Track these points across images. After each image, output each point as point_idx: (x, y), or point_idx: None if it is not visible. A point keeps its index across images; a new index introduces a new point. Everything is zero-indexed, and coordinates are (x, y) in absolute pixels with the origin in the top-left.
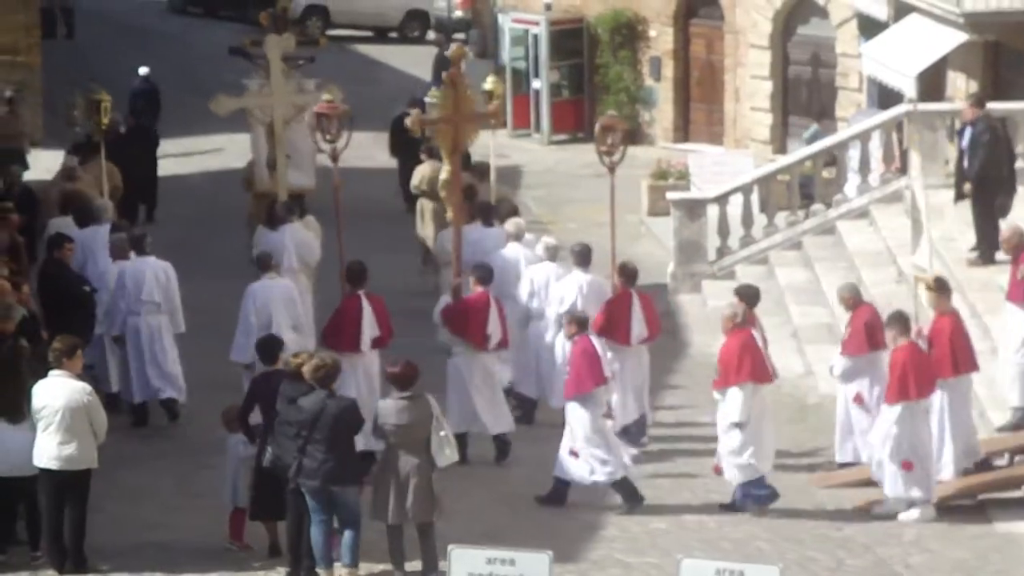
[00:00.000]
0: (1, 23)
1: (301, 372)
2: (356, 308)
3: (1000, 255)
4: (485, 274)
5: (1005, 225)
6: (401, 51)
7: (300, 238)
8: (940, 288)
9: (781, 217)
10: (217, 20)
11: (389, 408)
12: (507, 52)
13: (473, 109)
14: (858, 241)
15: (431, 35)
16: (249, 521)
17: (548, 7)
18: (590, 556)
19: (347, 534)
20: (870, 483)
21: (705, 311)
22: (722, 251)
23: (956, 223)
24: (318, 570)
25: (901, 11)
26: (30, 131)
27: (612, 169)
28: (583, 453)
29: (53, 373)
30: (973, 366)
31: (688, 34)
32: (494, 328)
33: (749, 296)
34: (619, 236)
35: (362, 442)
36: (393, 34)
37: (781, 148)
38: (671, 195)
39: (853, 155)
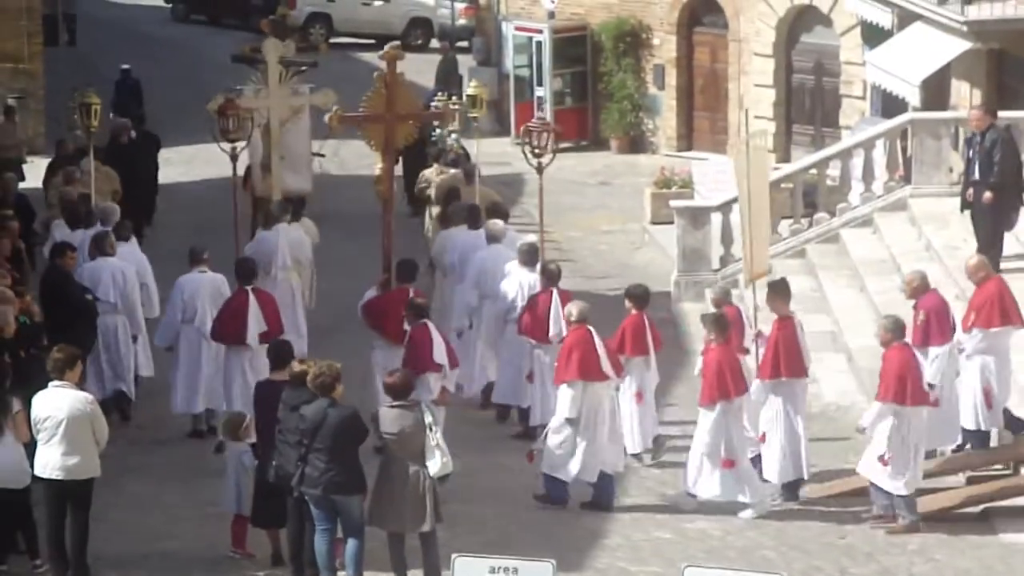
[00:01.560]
0: (3, 30)
1: (303, 380)
2: (243, 302)
3: (1005, 263)
4: (406, 271)
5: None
6: (404, 59)
7: (293, 237)
8: (777, 291)
9: (785, 225)
10: (220, 28)
11: (384, 416)
12: (511, 60)
13: (410, 109)
14: (862, 249)
15: (434, 43)
16: (252, 529)
17: (552, 15)
18: (594, 565)
19: (350, 543)
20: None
21: None
22: (725, 259)
23: (960, 232)
24: None
25: (905, 19)
26: (31, 138)
27: (540, 170)
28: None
29: (53, 384)
30: (799, 372)
31: (692, 42)
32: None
33: (637, 296)
34: (622, 244)
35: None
36: (396, 42)
37: (785, 156)
38: (674, 203)
39: (857, 163)
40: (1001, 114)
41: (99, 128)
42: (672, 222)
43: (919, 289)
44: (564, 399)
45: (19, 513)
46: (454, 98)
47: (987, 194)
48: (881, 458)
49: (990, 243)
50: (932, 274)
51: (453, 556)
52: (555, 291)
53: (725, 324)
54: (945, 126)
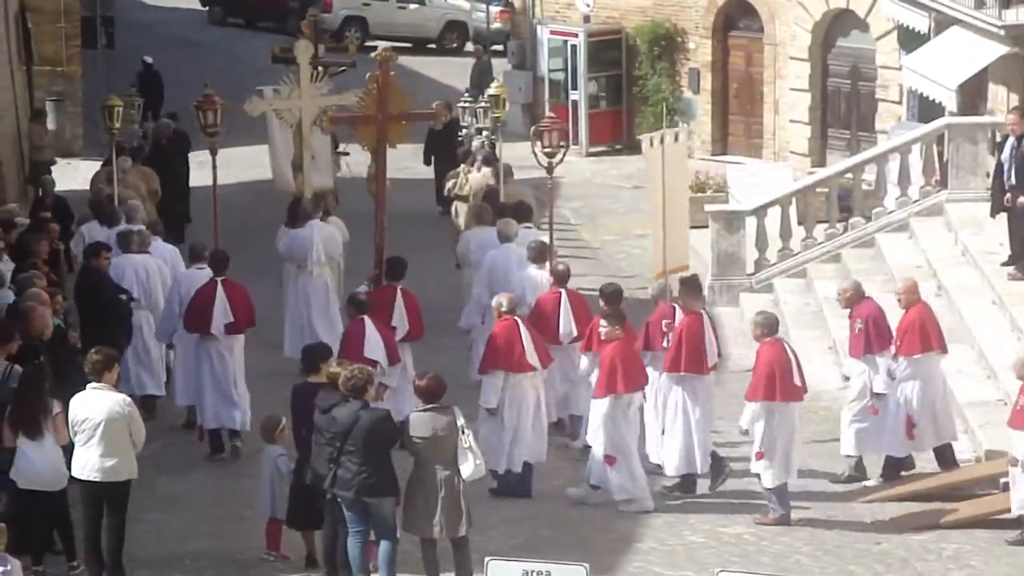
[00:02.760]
0: (42, 33)
1: (336, 382)
2: (210, 293)
3: None
4: (393, 269)
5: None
6: (440, 62)
7: (326, 233)
8: (688, 287)
9: (820, 230)
10: (256, 31)
11: (416, 420)
12: (545, 63)
13: (404, 109)
14: (897, 254)
15: (469, 46)
16: (287, 530)
17: (587, 19)
18: (627, 569)
19: (383, 545)
20: (910, 497)
21: (743, 324)
22: (760, 264)
23: (995, 236)
24: None
25: (942, 24)
26: (69, 140)
27: (550, 170)
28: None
29: (92, 386)
30: (699, 368)
31: (727, 46)
32: (399, 320)
33: (608, 294)
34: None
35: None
36: (432, 45)
37: (820, 160)
38: (709, 207)
39: (893, 168)
40: None
41: (121, 129)
42: (706, 226)
43: (853, 299)
44: (485, 389)
45: (56, 514)
46: (480, 99)
47: (1021, 199)
48: (758, 453)
49: (1022, 247)
50: (968, 279)
51: (487, 559)
52: (564, 292)
53: (622, 317)
54: (982, 130)
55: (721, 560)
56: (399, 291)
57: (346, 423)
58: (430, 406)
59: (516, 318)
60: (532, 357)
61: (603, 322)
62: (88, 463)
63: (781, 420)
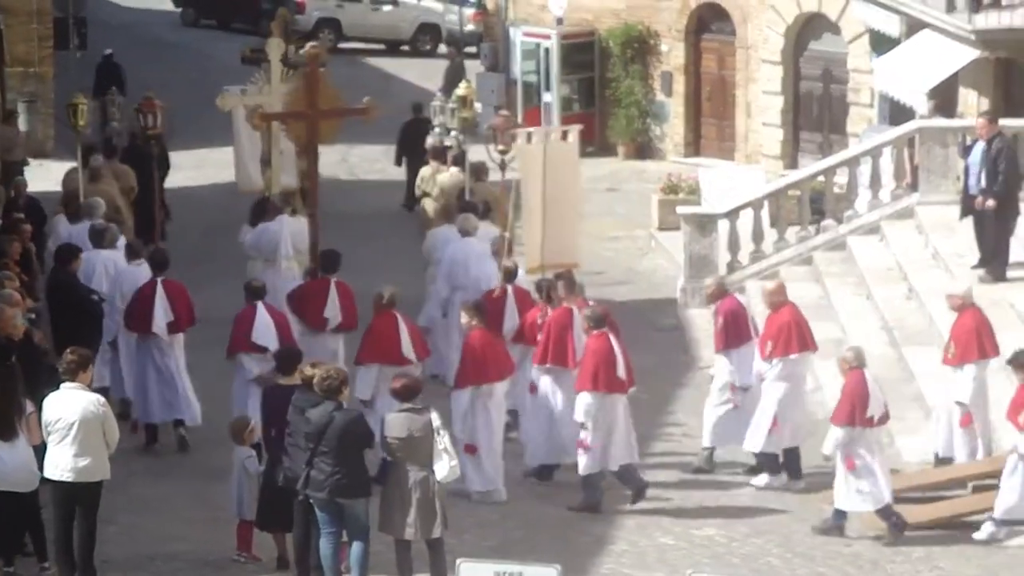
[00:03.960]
0: (15, 34)
1: (310, 383)
2: (150, 292)
3: (1010, 273)
4: (327, 262)
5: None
6: (413, 64)
7: (295, 228)
8: (564, 282)
9: (792, 232)
10: (229, 32)
11: (391, 421)
12: (518, 66)
13: (335, 106)
14: (869, 257)
15: (443, 48)
16: (258, 532)
17: (560, 21)
18: (599, 570)
19: (356, 546)
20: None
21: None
22: (732, 266)
23: (966, 240)
24: None
25: (913, 27)
26: (41, 141)
27: (504, 167)
28: None
29: (66, 386)
30: (564, 361)
31: (699, 49)
32: (332, 312)
33: (567, 280)
34: (629, 250)
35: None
36: (405, 47)
37: (792, 163)
38: (681, 210)
39: (864, 171)
40: (1009, 123)
41: (86, 127)
42: (679, 228)
43: (716, 294)
44: (360, 382)
45: (28, 515)
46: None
47: (989, 201)
48: (579, 441)
49: (995, 251)
50: (939, 282)
51: (458, 561)
52: (510, 288)
53: (484, 310)
54: (952, 134)
55: (692, 562)
56: (333, 283)
57: (320, 424)
58: (406, 407)
59: (395, 312)
60: (408, 350)
61: (463, 314)
62: (61, 463)
63: (602, 411)
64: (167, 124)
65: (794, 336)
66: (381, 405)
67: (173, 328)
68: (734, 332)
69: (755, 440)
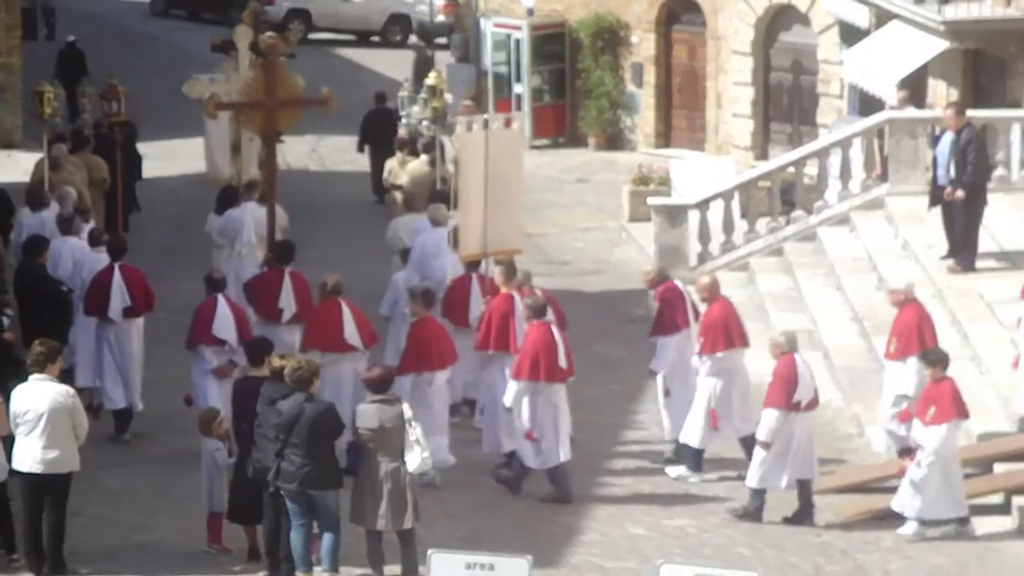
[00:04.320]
0: None
1: (282, 375)
2: (107, 277)
3: (979, 263)
4: (282, 253)
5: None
6: (383, 55)
7: (259, 215)
8: (502, 269)
9: (762, 223)
10: (199, 23)
11: (363, 412)
12: (489, 57)
13: (293, 95)
14: (839, 248)
15: (413, 39)
16: (229, 524)
17: (530, 12)
18: (569, 561)
19: (326, 538)
20: (854, 488)
21: None
22: (703, 257)
23: (935, 230)
24: (298, 573)
25: (882, 19)
26: (9, 131)
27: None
28: None
29: (35, 377)
30: (505, 346)
31: (670, 40)
32: (287, 303)
33: (506, 267)
34: (600, 241)
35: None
36: (375, 38)
37: (762, 154)
38: (652, 201)
39: (834, 162)
40: (977, 113)
41: (53, 115)
42: (650, 220)
43: (654, 281)
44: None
45: None
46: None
47: (958, 192)
48: (527, 432)
49: (964, 242)
50: (909, 272)
51: (429, 552)
52: (474, 276)
53: (431, 298)
54: (922, 125)
55: (663, 552)
56: (287, 274)
57: (290, 415)
58: (378, 398)
59: (339, 299)
60: (353, 337)
61: (409, 301)
62: (30, 455)
63: (546, 401)
64: (134, 111)
65: (721, 334)
66: (326, 389)
67: (129, 313)
68: (668, 319)
69: (691, 433)
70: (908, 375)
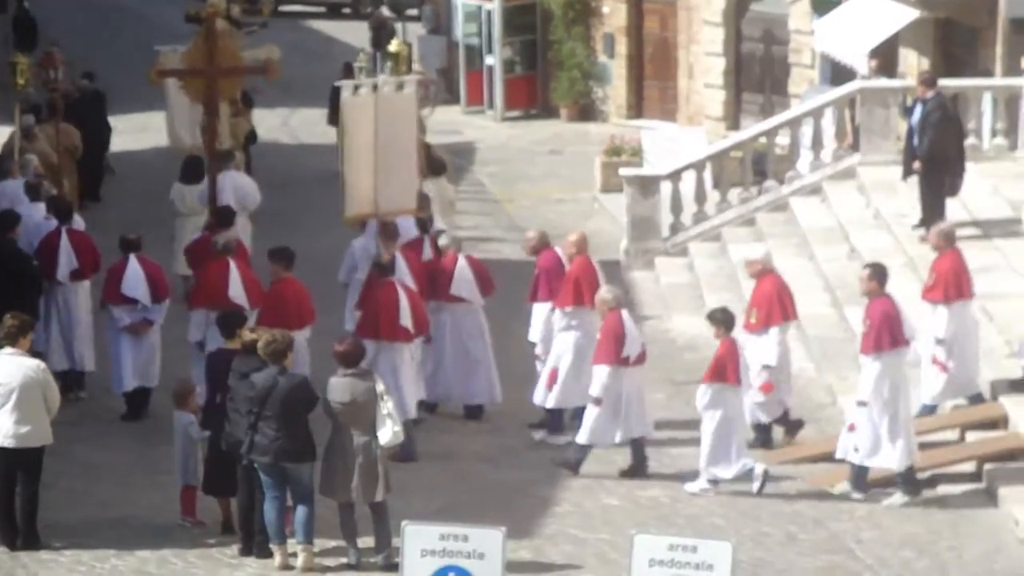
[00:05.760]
0: None
1: (254, 348)
2: (54, 241)
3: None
4: (222, 217)
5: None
6: (355, 27)
7: (238, 183)
8: (383, 227)
9: (734, 193)
10: None
11: (335, 385)
12: (460, 28)
13: (234, 64)
14: (810, 217)
15: (385, 12)
16: (203, 497)
17: None
18: (544, 532)
19: (300, 510)
20: (823, 458)
21: (658, 288)
22: (675, 228)
23: (908, 199)
24: (271, 546)
25: None
26: None
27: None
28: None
29: (6, 351)
30: (405, 336)
31: (641, 10)
32: (236, 293)
33: (387, 228)
34: (573, 213)
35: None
36: (346, 10)
37: (734, 125)
38: (624, 172)
39: (806, 132)
40: (948, 83)
41: (26, 86)
42: (622, 191)
43: (535, 248)
44: (191, 325)
45: None
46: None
47: (916, 163)
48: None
49: (929, 211)
50: (880, 242)
51: (404, 523)
52: (426, 238)
53: (388, 267)
54: (893, 95)
55: (637, 522)
56: (231, 264)
57: (264, 388)
58: (349, 371)
59: (229, 259)
60: (238, 296)
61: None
62: (1, 429)
63: (385, 360)
64: (68, 79)
65: (571, 290)
66: (211, 347)
67: (77, 276)
68: (545, 286)
69: (538, 394)
70: (770, 345)
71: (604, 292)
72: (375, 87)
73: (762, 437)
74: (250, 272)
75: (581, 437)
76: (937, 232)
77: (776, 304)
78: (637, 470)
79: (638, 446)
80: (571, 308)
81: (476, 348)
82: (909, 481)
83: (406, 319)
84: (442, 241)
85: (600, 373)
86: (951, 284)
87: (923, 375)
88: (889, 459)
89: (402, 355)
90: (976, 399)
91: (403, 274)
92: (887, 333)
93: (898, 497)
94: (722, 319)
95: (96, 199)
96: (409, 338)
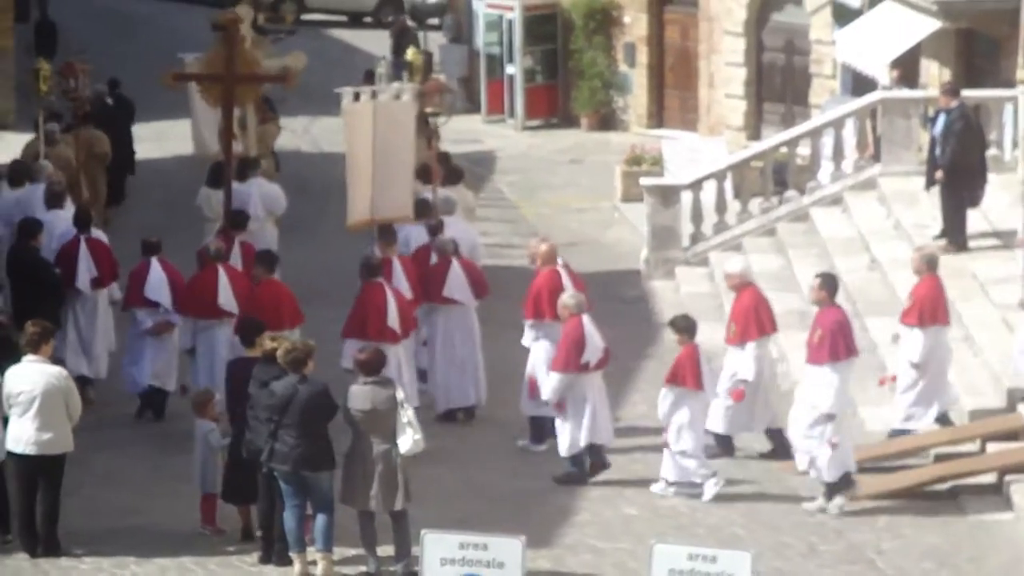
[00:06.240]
0: None
1: (274, 356)
2: (74, 249)
3: (972, 243)
4: (215, 251)
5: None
6: (376, 36)
7: (265, 191)
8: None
9: (755, 203)
10: (192, 4)
11: (355, 393)
12: (481, 37)
13: (253, 70)
14: (831, 228)
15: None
16: (223, 505)
17: None
18: (563, 541)
19: (320, 518)
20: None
21: (678, 297)
22: (696, 237)
23: (929, 209)
24: (291, 554)
25: None
26: (2, 113)
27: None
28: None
29: (28, 359)
30: (391, 337)
31: (663, 20)
32: (226, 299)
33: (442, 245)
34: (593, 222)
35: None
36: (368, 19)
37: (755, 135)
38: (645, 181)
39: (827, 142)
40: (970, 93)
41: (49, 93)
42: (642, 200)
43: (544, 260)
44: (180, 333)
45: None
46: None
47: (937, 173)
48: None
49: (951, 221)
50: (901, 253)
51: (423, 532)
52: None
53: (376, 268)
54: (915, 105)
55: (657, 532)
56: (219, 269)
57: (284, 396)
58: (370, 379)
59: (219, 265)
60: (227, 302)
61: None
62: (23, 436)
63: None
64: (90, 87)
65: (530, 302)
66: (201, 354)
67: (96, 284)
68: (531, 306)
69: (524, 404)
70: (747, 360)
71: (566, 298)
72: (374, 95)
73: (723, 445)
74: (243, 279)
75: (562, 450)
76: (920, 256)
77: (753, 319)
78: (595, 470)
79: (596, 452)
80: (531, 321)
81: (466, 350)
82: (835, 489)
83: (394, 321)
84: (436, 243)
85: (551, 379)
86: (927, 309)
87: (897, 399)
88: (824, 470)
89: (389, 357)
90: (944, 420)
91: (399, 279)
92: (842, 342)
93: (820, 502)
94: (684, 326)
95: (119, 202)
96: (396, 339)
